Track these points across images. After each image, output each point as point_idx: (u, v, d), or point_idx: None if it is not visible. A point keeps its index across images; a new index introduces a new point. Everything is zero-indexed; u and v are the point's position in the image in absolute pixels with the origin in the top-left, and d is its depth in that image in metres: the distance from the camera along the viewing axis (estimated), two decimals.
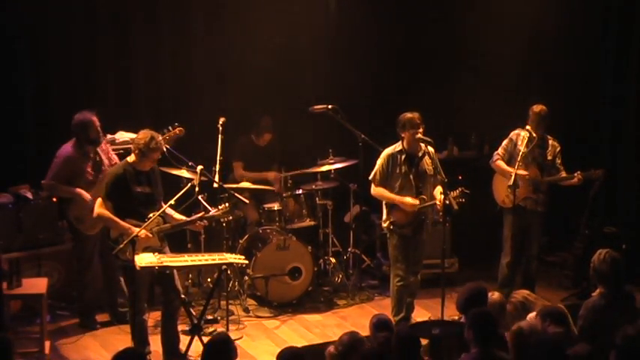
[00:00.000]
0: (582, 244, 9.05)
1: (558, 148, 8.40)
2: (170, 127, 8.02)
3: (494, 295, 6.34)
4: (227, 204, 7.59)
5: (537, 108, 8.29)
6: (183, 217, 7.32)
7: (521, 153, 8.14)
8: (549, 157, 8.36)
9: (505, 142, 8.48)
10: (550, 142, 8.38)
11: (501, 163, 8.42)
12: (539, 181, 8.31)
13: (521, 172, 8.19)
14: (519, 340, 5.65)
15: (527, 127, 8.22)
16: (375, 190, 7.89)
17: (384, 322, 5.98)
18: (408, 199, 7.72)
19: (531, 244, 8.49)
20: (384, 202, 7.93)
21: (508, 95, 9.70)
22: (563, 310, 6.09)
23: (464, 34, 10.05)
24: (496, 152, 8.50)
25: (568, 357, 5.42)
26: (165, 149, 7.38)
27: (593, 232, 9.06)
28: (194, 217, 7.35)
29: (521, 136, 8.38)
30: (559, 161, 8.40)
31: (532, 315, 6.12)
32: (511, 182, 8.05)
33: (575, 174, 8.27)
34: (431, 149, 7.88)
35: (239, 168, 9.18)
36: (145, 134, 7.10)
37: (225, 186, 8.14)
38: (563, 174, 8.36)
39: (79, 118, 7.84)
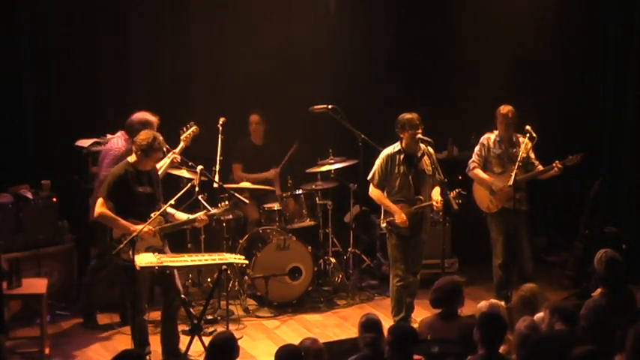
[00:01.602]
0: (582, 244, 9.04)
1: (530, 144, 8.32)
2: (188, 126, 7.99)
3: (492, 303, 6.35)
4: (227, 202, 7.60)
5: (504, 109, 8.25)
6: (186, 216, 7.32)
7: (520, 154, 8.12)
8: (523, 155, 8.27)
9: (477, 148, 8.44)
10: (520, 139, 8.30)
11: (479, 172, 8.40)
12: (520, 179, 8.25)
13: (499, 184, 8.18)
14: (522, 339, 5.68)
15: (527, 127, 8.19)
16: (374, 192, 7.90)
17: (373, 323, 5.97)
18: (402, 215, 7.71)
19: (523, 247, 8.42)
20: None
21: (508, 95, 9.67)
22: (573, 309, 6.05)
23: (464, 34, 10.05)
24: (471, 160, 8.46)
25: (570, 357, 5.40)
26: (165, 149, 7.39)
27: (593, 232, 9.05)
28: (195, 215, 7.36)
29: (492, 139, 8.37)
30: (533, 156, 8.33)
31: (539, 315, 6.12)
32: (511, 182, 8.03)
33: (554, 164, 8.17)
34: (430, 149, 7.88)
35: (238, 170, 9.18)
36: (146, 134, 7.10)
37: (226, 186, 8.14)
38: (540, 167, 8.30)
39: (142, 117, 7.71)
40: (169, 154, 7.72)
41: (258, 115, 9.17)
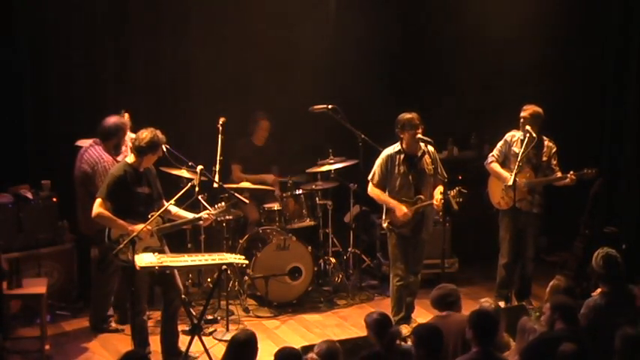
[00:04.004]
0: (582, 244, 9.03)
1: (554, 149, 8.35)
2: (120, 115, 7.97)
3: (491, 304, 6.35)
4: (223, 203, 7.60)
5: (531, 109, 8.25)
6: (191, 215, 7.32)
7: (521, 153, 8.11)
8: (544, 158, 8.31)
9: (500, 143, 8.45)
10: (545, 142, 8.33)
11: (496, 166, 8.40)
12: (534, 183, 8.29)
13: (519, 179, 8.15)
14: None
15: (527, 127, 8.19)
16: (373, 191, 7.90)
17: (386, 320, 6.04)
18: (402, 208, 7.71)
19: (527, 246, 8.46)
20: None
21: (509, 95, 9.69)
22: (575, 306, 6.02)
23: (466, 34, 10.03)
24: (491, 154, 8.47)
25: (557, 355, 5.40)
26: (165, 149, 7.40)
27: (593, 232, 9.05)
28: (200, 214, 7.36)
29: (515, 137, 8.36)
30: (554, 162, 8.35)
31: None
32: (510, 182, 8.03)
33: (568, 174, 8.21)
34: (431, 149, 7.88)
35: (237, 170, 9.17)
36: (144, 134, 7.09)
37: (226, 186, 8.14)
38: (559, 174, 8.30)
39: (117, 121, 7.71)
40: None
41: (268, 122, 9.15)
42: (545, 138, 8.33)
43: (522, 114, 8.24)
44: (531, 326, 5.98)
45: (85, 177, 7.77)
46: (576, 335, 5.66)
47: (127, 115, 7.96)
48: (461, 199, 7.71)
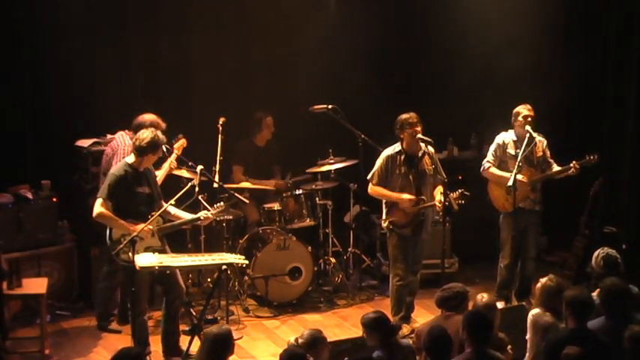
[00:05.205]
0: (582, 244, 9.04)
1: (545, 142, 8.33)
2: (177, 138, 7.93)
3: (485, 298, 6.34)
4: (222, 203, 7.60)
5: (520, 109, 8.24)
6: (189, 215, 7.33)
7: (521, 154, 8.10)
8: (539, 154, 8.29)
9: (493, 148, 8.41)
10: (536, 138, 8.31)
11: (494, 170, 8.36)
12: (539, 179, 8.28)
13: (520, 177, 8.13)
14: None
15: (527, 127, 8.17)
16: (373, 189, 7.91)
17: (383, 317, 6.04)
18: (406, 195, 7.73)
19: (529, 246, 8.45)
20: (383, 202, 7.96)
21: (509, 95, 9.68)
22: (590, 301, 5.93)
23: (464, 32, 10.02)
24: (486, 160, 8.43)
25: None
26: (165, 149, 7.40)
27: (593, 232, 9.06)
28: (199, 214, 7.37)
29: (508, 139, 8.35)
30: (548, 154, 8.35)
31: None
32: (511, 182, 8.00)
33: (572, 164, 8.16)
34: (431, 149, 7.88)
35: (239, 172, 9.13)
36: (145, 134, 7.10)
37: (226, 186, 8.14)
38: (555, 167, 8.30)
39: (152, 119, 7.62)
40: (167, 161, 7.73)
41: (272, 117, 9.14)
42: (534, 134, 8.31)
43: (529, 113, 8.19)
44: (545, 321, 5.96)
45: (105, 159, 7.82)
46: (582, 335, 5.64)
47: (182, 141, 7.92)
48: (463, 201, 7.70)
